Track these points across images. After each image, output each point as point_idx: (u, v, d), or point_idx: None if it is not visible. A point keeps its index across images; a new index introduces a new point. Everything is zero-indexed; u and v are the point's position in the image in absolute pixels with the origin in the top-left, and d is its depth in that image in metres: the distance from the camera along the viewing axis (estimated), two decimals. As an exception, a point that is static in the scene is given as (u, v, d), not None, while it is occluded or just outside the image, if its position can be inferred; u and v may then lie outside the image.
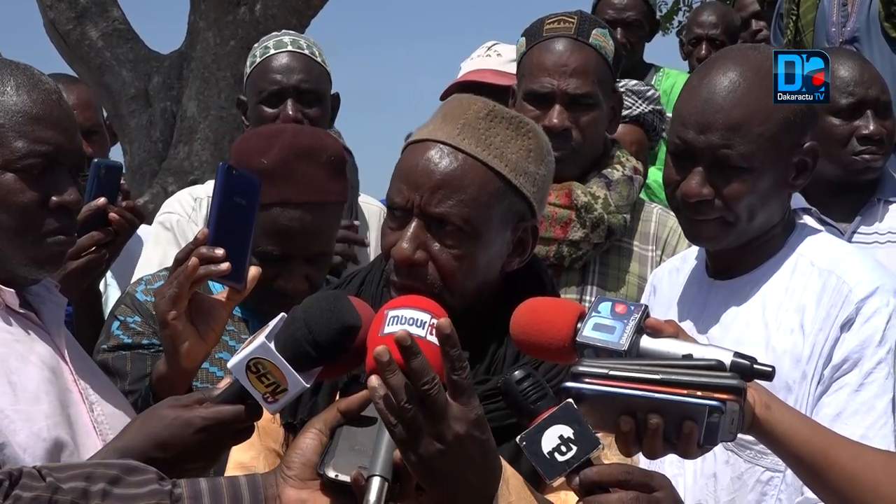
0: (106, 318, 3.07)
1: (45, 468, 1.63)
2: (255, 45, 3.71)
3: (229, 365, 1.74)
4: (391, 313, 1.73)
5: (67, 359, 2.09)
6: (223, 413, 1.77)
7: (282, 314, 1.79)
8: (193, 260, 2.09)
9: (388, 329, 1.71)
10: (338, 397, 2.02)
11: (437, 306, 1.75)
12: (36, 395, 1.96)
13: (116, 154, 8.03)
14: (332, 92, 3.65)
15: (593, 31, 3.00)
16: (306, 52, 3.57)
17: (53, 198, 2.03)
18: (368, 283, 2.11)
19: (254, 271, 2.18)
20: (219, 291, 2.23)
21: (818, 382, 2.19)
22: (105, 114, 4.58)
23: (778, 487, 2.20)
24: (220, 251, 2.10)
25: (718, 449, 2.23)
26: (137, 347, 2.61)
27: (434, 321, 1.70)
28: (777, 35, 4.23)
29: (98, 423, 2.05)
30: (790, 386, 2.19)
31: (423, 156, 1.97)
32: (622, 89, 3.76)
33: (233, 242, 2.13)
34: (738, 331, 2.27)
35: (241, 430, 1.81)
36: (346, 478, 1.64)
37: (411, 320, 1.71)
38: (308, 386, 1.75)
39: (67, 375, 2.06)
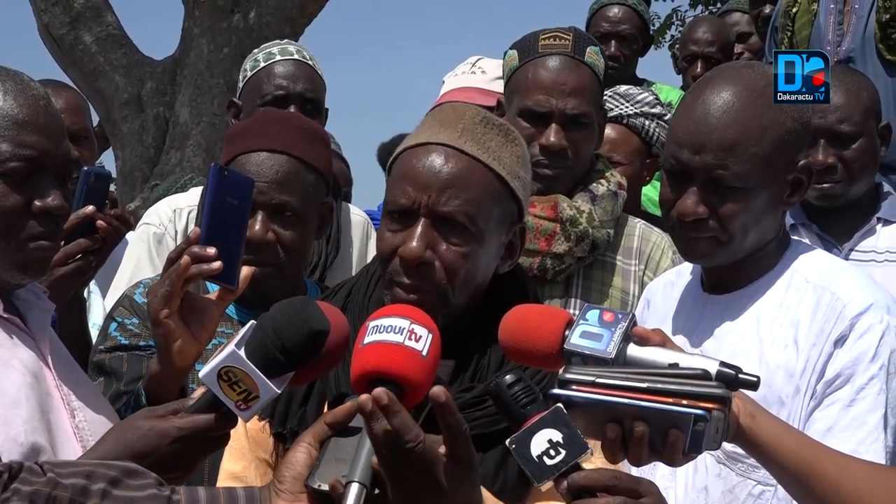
0: (88, 322, 3.08)
1: (47, 463, 1.64)
2: (256, 50, 3.75)
3: (201, 374, 1.75)
4: (372, 324, 1.75)
5: (51, 365, 2.08)
6: (197, 422, 1.79)
7: (251, 321, 1.80)
8: (185, 258, 2.11)
9: (367, 339, 1.73)
10: (326, 408, 2.03)
11: (420, 312, 1.78)
12: (15, 400, 1.95)
13: (108, 159, 8.03)
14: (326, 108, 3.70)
15: (587, 49, 3.00)
16: (310, 63, 3.63)
17: (37, 202, 2.02)
18: (355, 293, 2.12)
19: (246, 271, 2.20)
20: (213, 291, 2.25)
21: (811, 397, 2.19)
22: (96, 119, 4.60)
23: (770, 502, 2.20)
24: (211, 250, 2.12)
25: (710, 462, 2.25)
26: (134, 349, 2.62)
27: (414, 327, 1.73)
28: (772, 48, 4.25)
29: (79, 430, 2.04)
30: (783, 400, 2.20)
31: (427, 158, 2.00)
32: (609, 94, 3.77)
33: (225, 242, 2.15)
34: (732, 345, 2.28)
35: (216, 438, 1.82)
36: (327, 487, 1.66)
37: (390, 328, 1.73)
38: (279, 392, 1.76)
39: (50, 381, 2.06)
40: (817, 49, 3.86)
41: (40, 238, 2.04)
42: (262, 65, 3.61)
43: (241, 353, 1.74)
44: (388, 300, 2.00)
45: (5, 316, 2.05)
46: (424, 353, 1.72)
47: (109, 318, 2.72)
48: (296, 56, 3.63)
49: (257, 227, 2.58)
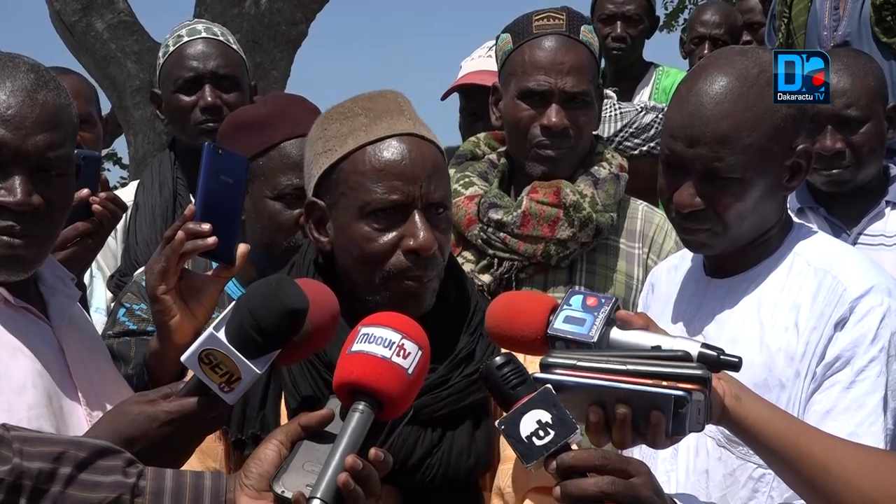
0: (90, 306, 3.11)
1: (18, 438, 1.62)
2: (167, 35, 3.66)
3: (182, 359, 1.75)
4: (363, 330, 1.74)
5: (66, 351, 2.09)
6: (185, 406, 1.78)
7: (234, 302, 1.79)
8: (180, 234, 2.14)
9: (356, 347, 1.73)
10: (283, 409, 2.04)
11: (415, 325, 1.77)
12: (21, 386, 1.97)
13: (121, 145, 8.04)
14: (251, 83, 3.62)
15: (581, 28, 2.99)
16: (221, 38, 3.55)
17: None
18: (297, 269, 2.13)
19: (242, 248, 2.22)
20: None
21: (811, 380, 2.20)
22: (105, 105, 4.57)
23: (770, 484, 2.21)
24: (206, 226, 2.15)
25: (711, 445, 2.26)
26: (142, 334, 2.64)
27: (405, 342, 1.72)
28: (771, 35, 4.25)
29: (92, 416, 2.04)
30: (784, 384, 2.20)
31: (400, 151, 2.01)
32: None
33: (221, 220, 2.18)
34: (734, 328, 2.28)
35: (207, 421, 1.81)
36: (291, 495, 1.64)
37: (380, 339, 1.72)
38: (261, 372, 1.75)
39: (63, 368, 2.07)
40: (814, 34, 3.87)
41: (2, 233, 1.99)
42: (172, 49, 3.53)
43: (220, 335, 1.73)
44: (393, 298, 2.01)
45: (16, 303, 2.05)
46: (410, 371, 1.72)
47: (118, 303, 2.75)
48: (204, 34, 3.54)
49: None
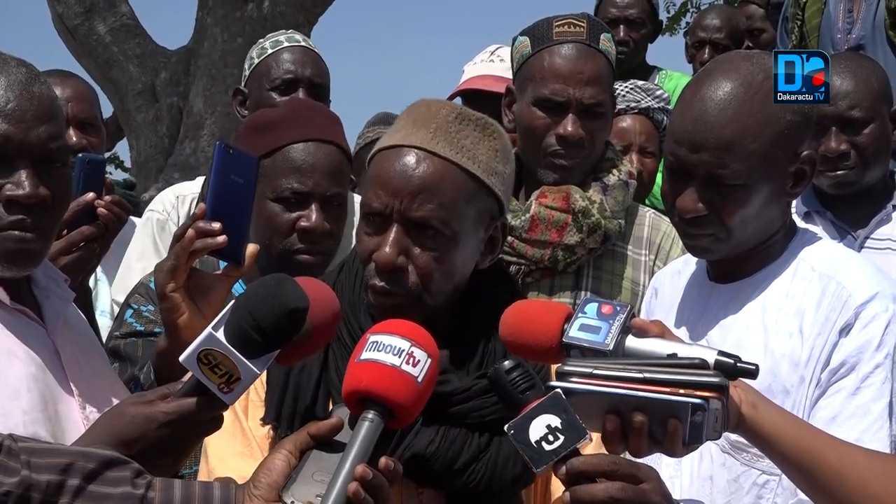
0: (95, 310, 3.11)
1: (26, 449, 1.61)
2: (262, 39, 3.84)
3: (181, 359, 1.73)
4: (372, 338, 1.74)
5: (61, 354, 2.08)
6: (183, 406, 1.75)
7: (232, 302, 1.77)
8: (190, 232, 2.14)
9: (365, 355, 1.72)
10: (331, 405, 2.02)
11: (424, 333, 1.77)
12: (16, 391, 1.95)
13: (123, 149, 8.03)
14: None
15: (601, 36, 2.97)
16: (316, 51, 3.74)
17: (5, 192, 1.97)
18: (338, 289, 2.10)
19: (251, 248, 2.22)
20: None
21: (816, 386, 2.19)
22: (105, 108, 4.60)
23: (774, 491, 2.20)
24: (216, 225, 2.15)
25: (715, 451, 2.25)
26: (149, 335, 2.65)
27: (414, 350, 1.72)
28: (783, 38, 4.24)
29: (88, 420, 2.02)
30: (788, 390, 2.20)
31: (399, 161, 2.01)
32: (630, 86, 3.78)
33: (230, 219, 2.18)
34: (738, 334, 2.28)
35: (206, 422, 1.78)
36: None
37: (389, 347, 1.72)
38: (260, 373, 1.73)
39: (59, 371, 2.05)
40: (828, 37, 3.86)
41: (11, 228, 1.98)
42: (270, 51, 3.68)
43: (219, 335, 1.71)
44: (366, 302, 2.03)
45: (12, 306, 2.03)
46: (419, 379, 1.72)
47: (125, 304, 2.76)
48: (303, 43, 3.73)
49: (315, 217, 2.62)
